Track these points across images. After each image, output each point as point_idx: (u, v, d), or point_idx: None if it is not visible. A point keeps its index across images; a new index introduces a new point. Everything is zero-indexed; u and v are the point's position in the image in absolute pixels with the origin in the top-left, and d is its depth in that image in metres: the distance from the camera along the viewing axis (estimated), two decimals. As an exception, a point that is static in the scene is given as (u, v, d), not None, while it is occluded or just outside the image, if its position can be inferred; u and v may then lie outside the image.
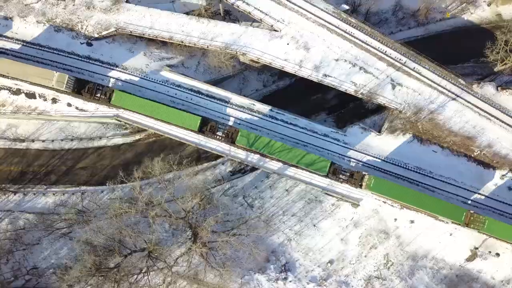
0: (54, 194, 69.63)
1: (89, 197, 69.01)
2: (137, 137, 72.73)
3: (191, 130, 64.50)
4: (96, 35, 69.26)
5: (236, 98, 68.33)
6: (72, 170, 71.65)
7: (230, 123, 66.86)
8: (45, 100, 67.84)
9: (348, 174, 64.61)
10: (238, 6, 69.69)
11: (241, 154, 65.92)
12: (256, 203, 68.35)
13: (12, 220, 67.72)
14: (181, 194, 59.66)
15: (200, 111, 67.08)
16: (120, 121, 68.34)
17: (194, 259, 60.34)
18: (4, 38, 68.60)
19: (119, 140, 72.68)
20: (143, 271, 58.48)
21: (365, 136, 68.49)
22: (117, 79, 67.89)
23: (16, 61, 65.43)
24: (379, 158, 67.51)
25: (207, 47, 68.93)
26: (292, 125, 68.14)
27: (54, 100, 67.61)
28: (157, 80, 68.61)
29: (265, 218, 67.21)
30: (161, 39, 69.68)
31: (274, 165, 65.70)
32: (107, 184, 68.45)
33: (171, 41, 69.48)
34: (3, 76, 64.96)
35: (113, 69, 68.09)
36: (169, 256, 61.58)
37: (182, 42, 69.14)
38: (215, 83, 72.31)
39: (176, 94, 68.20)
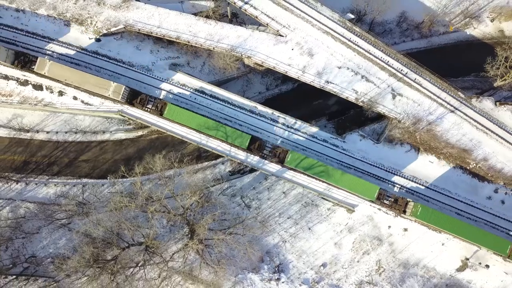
0: (55, 185, 70.80)
1: (90, 190, 70.19)
2: (140, 133, 73.97)
3: (240, 148, 65.66)
4: (105, 31, 70.43)
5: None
6: (75, 162, 72.84)
7: (278, 143, 68.20)
8: (52, 92, 68.89)
9: (392, 199, 65.28)
10: (245, 10, 70.95)
11: (241, 155, 67.15)
12: (253, 203, 69.60)
13: (13, 208, 68.82)
14: (181, 191, 60.86)
15: (211, 114, 68.72)
16: (124, 116, 69.50)
17: (190, 255, 61.56)
18: (13, 30, 69.70)
19: (122, 135, 73.88)
20: (139, 265, 59.62)
21: (363, 144, 69.72)
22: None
23: (73, 68, 66.00)
24: (377, 167, 68.85)
25: (213, 48, 70.14)
26: (293, 129, 69.38)
27: (61, 93, 68.70)
28: (162, 78, 69.89)
29: (261, 219, 68.47)
30: (168, 38, 70.81)
31: (273, 167, 66.91)
32: (108, 178, 69.71)
33: (178, 40, 70.58)
34: (58, 81, 65.86)
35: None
36: (165, 251, 62.82)
37: (188, 42, 70.33)
38: (219, 84, 73.57)
39: (179, 92, 69.52)
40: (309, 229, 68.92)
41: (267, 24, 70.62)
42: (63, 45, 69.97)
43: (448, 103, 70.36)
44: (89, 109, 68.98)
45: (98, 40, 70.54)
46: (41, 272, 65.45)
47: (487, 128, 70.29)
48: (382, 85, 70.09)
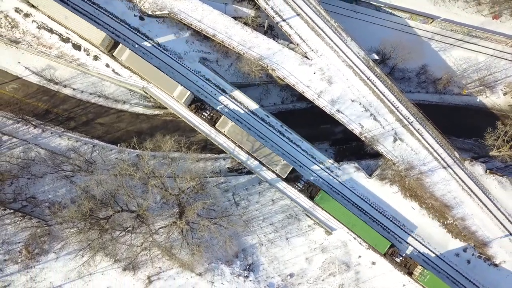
0: (68, 139, 75.75)
1: (98, 151, 75.03)
2: (157, 112, 78.97)
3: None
4: (150, 13, 75.69)
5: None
6: (91, 122, 77.78)
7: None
8: (88, 55, 74.11)
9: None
10: (281, 26, 76.09)
11: (242, 156, 72.12)
12: (242, 203, 74.50)
13: (25, 149, 73.82)
14: (181, 174, 65.83)
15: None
16: (146, 93, 74.69)
17: (173, 233, 66.41)
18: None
19: (139, 110, 78.82)
20: (127, 229, 64.58)
21: (356, 175, 74.57)
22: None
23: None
24: (364, 199, 73.69)
25: (243, 53, 75.15)
26: (295, 145, 74.38)
27: (96, 58, 73.88)
28: (190, 69, 75.09)
29: (246, 218, 73.34)
30: (205, 34, 75.93)
31: (269, 175, 71.89)
32: (118, 145, 74.90)
33: (213, 38, 75.63)
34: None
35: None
36: (152, 224, 67.65)
37: (222, 42, 75.41)
38: (240, 86, 78.57)
39: (203, 85, 74.74)
40: (287, 239, 73.69)
41: (297, 44, 75.64)
42: (110, 15, 75.27)
43: (442, 159, 75.02)
44: (117, 79, 74.11)
45: (141, 18, 75.82)
46: (36, 214, 70.40)
47: (472, 191, 74.76)
48: (387, 127, 74.89)
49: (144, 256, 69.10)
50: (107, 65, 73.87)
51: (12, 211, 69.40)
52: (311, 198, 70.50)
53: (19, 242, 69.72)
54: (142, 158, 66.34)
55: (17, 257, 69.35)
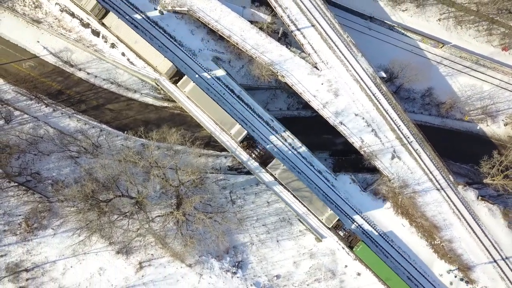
0: (78, 121, 78.08)
1: (105, 136, 77.31)
2: (166, 104, 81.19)
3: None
4: (170, 8, 77.93)
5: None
6: (101, 107, 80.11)
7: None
8: (106, 41, 76.47)
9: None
10: (295, 35, 78.22)
11: (243, 156, 74.26)
12: (238, 201, 76.66)
13: (35, 126, 76.21)
14: (183, 167, 68.02)
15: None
16: (158, 85, 76.94)
17: (169, 223, 68.62)
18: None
19: (149, 100, 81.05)
20: (125, 214, 66.76)
21: (352, 187, 76.61)
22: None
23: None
24: (356, 211, 75.76)
25: (256, 57, 77.30)
26: (296, 151, 76.49)
27: (113, 45, 76.23)
28: (202, 66, 77.31)
29: (240, 216, 75.49)
30: (221, 34, 78.15)
31: (267, 177, 73.98)
32: (125, 132, 77.17)
33: (228, 39, 77.82)
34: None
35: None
36: (149, 212, 69.85)
37: (237, 44, 77.56)
38: (249, 89, 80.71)
39: (213, 84, 76.97)
40: (277, 241, 75.78)
41: (309, 54, 77.75)
42: (131, 5, 77.66)
43: (437, 181, 76.96)
44: (131, 68, 76.43)
45: (161, 13, 78.07)
46: (39, 189, 72.72)
47: (462, 215, 76.65)
48: (386, 144, 76.89)
49: (138, 242, 71.32)
50: (123, 54, 76.16)
51: (16, 184, 71.74)
52: (350, 247, 72.03)
53: (20, 215, 72.06)
54: (147, 147, 68.55)
55: (16, 229, 71.71)
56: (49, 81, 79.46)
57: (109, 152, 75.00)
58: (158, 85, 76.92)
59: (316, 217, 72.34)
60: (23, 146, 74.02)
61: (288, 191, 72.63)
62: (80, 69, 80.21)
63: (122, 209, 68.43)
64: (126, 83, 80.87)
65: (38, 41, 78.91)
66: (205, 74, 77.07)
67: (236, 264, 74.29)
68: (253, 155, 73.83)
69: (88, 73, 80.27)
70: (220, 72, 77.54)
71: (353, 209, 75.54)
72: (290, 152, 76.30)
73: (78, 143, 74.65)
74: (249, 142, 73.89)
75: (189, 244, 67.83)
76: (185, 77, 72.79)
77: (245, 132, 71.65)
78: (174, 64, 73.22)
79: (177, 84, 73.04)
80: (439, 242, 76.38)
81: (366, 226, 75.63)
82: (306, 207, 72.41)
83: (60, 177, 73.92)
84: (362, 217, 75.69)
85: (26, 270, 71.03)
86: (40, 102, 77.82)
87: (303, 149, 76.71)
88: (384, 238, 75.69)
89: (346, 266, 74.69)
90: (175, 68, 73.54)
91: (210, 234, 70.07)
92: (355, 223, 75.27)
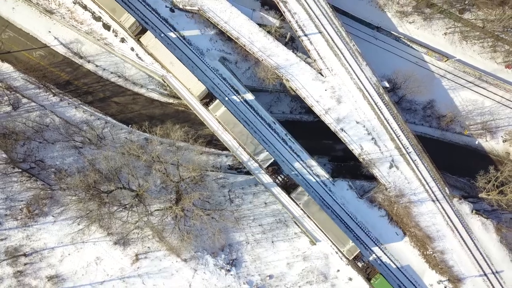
0: (84, 112, 79.44)
1: (110, 128, 78.72)
2: (171, 100, 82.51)
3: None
4: (181, 6, 79.25)
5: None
6: (107, 100, 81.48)
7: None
8: (116, 36, 77.76)
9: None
10: (302, 40, 79.46)
11: (244, 156, 75.53)
12: (236, 200, 77.93)
13: (42, 115, 77.61)
14: (184, 164, 69.32)
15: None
16: (164, 82, 78.25)
17: (167, 218, 69.95)
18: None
19: (155, 96, 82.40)
20: (124, 206, 68.09)
21: (348, 193, 77.82)
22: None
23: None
24: (351, 217, 76.97)
25: (262, 60, 78.55)
26: (296, 155, 77.76)
27: (122, 40, 77.50)
28: (209, 65, 78.63)
29: (237, 215, 76.77)
30: (229, 35, 79.44)
31: (266, 179, 75.26)
32: (130, 125, 78.49)
33: (236, 40, 79.10)
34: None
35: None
36: (148, 206, 71.16)
37: (244, 45, 78.81)
38: (254, 90, 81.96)
39: (218, 83, 78.25)
40: (272, 242, 77.04)
41: (314, 60, 79.00)
42: (142, 2, 79.03)
43: (433, 192, 78.13)
44: (139, 63, 77.73)
45: (172, 10, 79.41)
46: (42, 177, 74.12)
47: (455, 228, 77.80)
48: (385, 153, 78.11)
49: (136, 234, 72.67)
50: (132, 49, 77.46)
51: (20, 170, 73.16)
52: (368, 279, 72.87)
53: (22, 201, 73.48)
54: (151, 142, 69.94)
55: (17, 214, 73.13)
56: (58, 71, 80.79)
57: (112, 144, 76.38)
58: (164, 82, 78.18)
59: (336, 247, 73.33)
60: (29, 133, 75.41)
61: (310, 219, 73.58)
62: (89, 61, 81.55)
63: (122, 201, 69.76)
64: (133, 78, 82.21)
65: (50, 31, 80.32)
66: (211, 73, 78.33)
67: (231, 261, 75.55)
68: (277, 181, 74.96)
69: (97, 66, 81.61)
70: (226, 73, 78.78)
71: (349, 215, 76.71)
72: (290, 154, 77.50)
73: (83, 133, 76.01)
74: (274, 168, 74.91)
75: (186, 239, 69.12)
76: (216, 101, 73.56)
77: (272, 159, 72.89)
78: (206, 87, 73.96)
79: (209, 108, 73.88)
80: (431, 252, 77.49)
81: (359, 232, 76.79)
82: (326, 235, 73.25)
83: (63, 166, 75.26)
84: (357, 224, 76.81)
85: (25, 255, 72.45)
86: (48, 91, 79.14)
87: (303, 152, 77.78)
88: (377, 245, 76.79)
89: (338, 270, 75.90)
90: (207, 90, 74.35)
91: (207, 230, 71.40)
92: (349, 228, 76.47)
